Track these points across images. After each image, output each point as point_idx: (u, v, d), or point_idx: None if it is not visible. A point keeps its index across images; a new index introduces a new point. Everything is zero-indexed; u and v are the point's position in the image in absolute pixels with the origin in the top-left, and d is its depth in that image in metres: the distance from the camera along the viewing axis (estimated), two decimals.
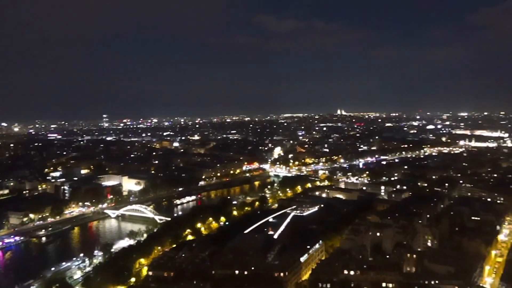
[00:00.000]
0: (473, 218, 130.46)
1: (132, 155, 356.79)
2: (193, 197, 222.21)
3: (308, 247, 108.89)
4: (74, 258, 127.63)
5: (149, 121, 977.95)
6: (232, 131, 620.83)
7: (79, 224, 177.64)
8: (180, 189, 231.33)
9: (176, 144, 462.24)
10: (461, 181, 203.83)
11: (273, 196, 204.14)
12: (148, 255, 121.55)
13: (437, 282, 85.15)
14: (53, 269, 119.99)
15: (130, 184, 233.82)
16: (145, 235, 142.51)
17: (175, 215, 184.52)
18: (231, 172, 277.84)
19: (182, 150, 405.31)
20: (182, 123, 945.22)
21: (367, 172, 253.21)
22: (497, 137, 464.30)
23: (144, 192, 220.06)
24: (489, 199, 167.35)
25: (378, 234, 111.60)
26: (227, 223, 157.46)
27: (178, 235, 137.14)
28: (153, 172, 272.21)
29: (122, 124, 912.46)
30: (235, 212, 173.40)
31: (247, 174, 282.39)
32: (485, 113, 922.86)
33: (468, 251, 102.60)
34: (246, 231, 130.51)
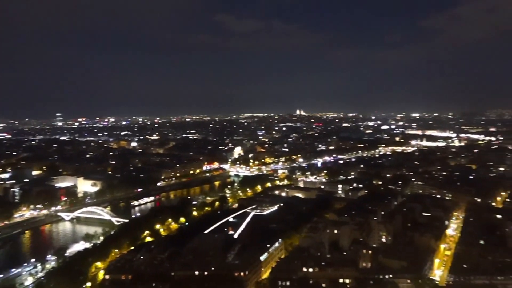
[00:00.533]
0: (424, 214, 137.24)
1: (87, 156, 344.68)
2: (152, 198, 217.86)
3: (268, 246, 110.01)
4: (25, 264, 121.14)
5: (106, 120, 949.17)
6: (192, 131, 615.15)
7: (30, 228, 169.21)
8: (139, 190, 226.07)
9: (134, 144, 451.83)
10: (413, 179, 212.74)
11: (233, 196, 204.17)
12: (104, 258, 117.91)
13: (391, 276, 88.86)
14: (1, 276, 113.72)
15: (85, 186, 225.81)
16: (101, 238, 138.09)
17: (133, 216, 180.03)
18: (191, 172, 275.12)
19: (140, 150, 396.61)
20: (140, 122, 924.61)
21: (325, 171, 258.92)
22: (446, 137, 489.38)
23: (100, 194, 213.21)
24: (438, 196, 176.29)
25: (335, 231, 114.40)
26: (186, 223, 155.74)
27: (136, 237, 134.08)
28: (110, 172, 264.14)
29: (77, 123, 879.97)
30: (195, 213, 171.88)
31: (207, 174, 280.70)
32: (435, 114, 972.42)
33: (419, 246, 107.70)
34: (206, 232, 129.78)
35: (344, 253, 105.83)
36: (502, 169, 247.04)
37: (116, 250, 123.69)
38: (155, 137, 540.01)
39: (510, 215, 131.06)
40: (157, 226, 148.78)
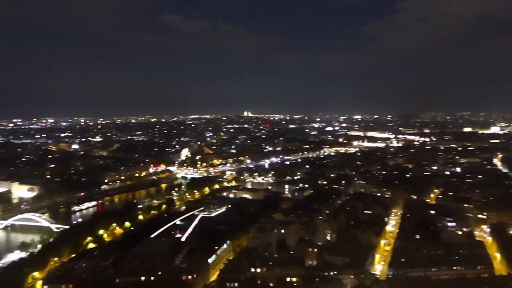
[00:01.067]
0: (365, 212, 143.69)
1: (23, 159, 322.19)
2: (95, 203, 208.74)
3: (216, 248, 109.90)
4: None
5: (44, 121, 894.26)
6: (137, 132, 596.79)
7: None
8: (81, 194, 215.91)
9: (75, 146, 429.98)
10: (355, 179, 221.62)
11: (181, 199, 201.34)
12: (43, 267, 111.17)
13: (335, 272, 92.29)
14: None
15: (21, 191, 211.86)
16: (39, 246, 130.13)
17: (74, 222, 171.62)
18: (137, 175, 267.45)
19: (82, 153, 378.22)
20: (82, 123, 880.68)
21: (272, 172, 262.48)
22: (385, 138, 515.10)
23: (38, 199, 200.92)
24: (379, 194, 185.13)
25: (282, 231, 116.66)
26: (132, 228, 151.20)
27: (77, 244, 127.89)
28: (48, 177, 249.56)
29: (11, 125, 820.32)
30: (141, 217, 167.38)
31: (154, 177, 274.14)
32: (375, 116, 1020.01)
33: (361, 242, 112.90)
34: (152, 236, 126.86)
35: (291, 252, 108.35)
36: (435, 168, 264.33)
37: (56, 259, 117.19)
38: (98, 139, 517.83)
39: (442, 211, 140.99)
40: (101, 232, 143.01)
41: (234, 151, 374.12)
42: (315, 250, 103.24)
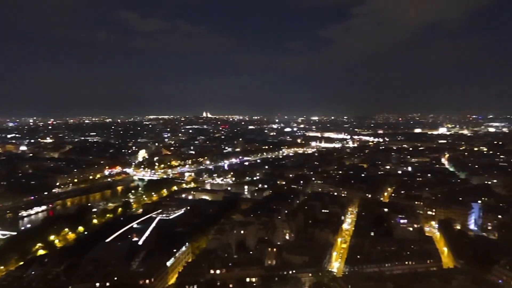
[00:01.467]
0: (323, 211, 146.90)
1: None
2: (45, 207, 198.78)
3: (175, 250, 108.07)
4: None
5: None
6: (91, 133, 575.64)
7: None
8: (30, 198, 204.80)
9: (23, 147, 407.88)
10: (313, 178, 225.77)
11: (138, 201, 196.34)
12: None
13: (294, 271, 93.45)
14: None
15: None
16: None
17: (22, 228, 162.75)
18: (91, 177, 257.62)
19: (31, 155, 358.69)
20: (31, 124, 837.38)
21: (232, 173, 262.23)
22: (341, 139, 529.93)
23: None
24: (336, 193, 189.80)
25: (242, 231, 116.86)
26: (86, 232, 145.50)
27: (26, 250, 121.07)
28: None
29: None
30: (95, 220, 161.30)
31: (109, 179, 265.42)
32: (332, 117, 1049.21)
33: (319, 241, 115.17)
34: (107, 240, 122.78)
35: (251, 252, 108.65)
36: (388, 167, 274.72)
37: (2, 267, 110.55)
38: (48, 140, 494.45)
39: (395, 209, 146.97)
40: (51, 237, 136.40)
41: (193, 152, 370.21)
42: (274, 250, 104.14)
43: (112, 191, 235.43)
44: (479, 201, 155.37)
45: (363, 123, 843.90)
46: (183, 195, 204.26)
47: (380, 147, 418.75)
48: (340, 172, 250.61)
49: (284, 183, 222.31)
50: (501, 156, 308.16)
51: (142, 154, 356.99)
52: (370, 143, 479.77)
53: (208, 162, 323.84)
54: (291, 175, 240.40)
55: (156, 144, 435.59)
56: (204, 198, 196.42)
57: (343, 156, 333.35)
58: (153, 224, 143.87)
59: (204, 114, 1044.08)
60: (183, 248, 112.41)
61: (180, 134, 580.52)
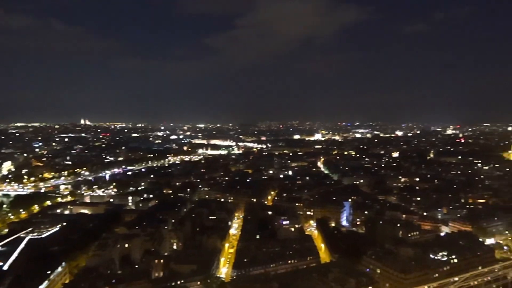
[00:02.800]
0: (210, 217, 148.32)
1: None
2: None
3: (49, 272, 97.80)
4: None
5: None
6: None
7: None
8: None
9: None
10: (200, 186, 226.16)
11: (2, 220, 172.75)
12: None
13: (182, 281, 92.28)
14: None
15: None
16: None
17: None
18: None
19: None
20: None
21: (114, 184, 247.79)
22: (227, 146, 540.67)
23: None
24: (222, 199, 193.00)
25: (126, 245, 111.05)
26: None
27: None
28: None
29: None
30: None
31: None
32: (218, 125, 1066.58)
33: (207, 248, 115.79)
34: None
35: (136, 266, 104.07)
36: (271, 172, 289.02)
37: None
38: None
39: (278, 211, 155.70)
40: None
41: (70, 162, 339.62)
42: (161, 261, 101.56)
43: None
44: (349, 200, 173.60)
45: (247, 130, 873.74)
46: (58, 210, 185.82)
47: (264, 153, 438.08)
48: (227, 178, 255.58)
49: (170, 191, 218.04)
50: (366, 159, 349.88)
51: (7, 166, 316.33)
52: (254, 150, 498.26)
53: (87, 173, 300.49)
54: (177, 183, 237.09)
55: (25, 154, 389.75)
56: (83, 212, 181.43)
57: (229, 163, 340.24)
58: (22, 245, 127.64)
59: (82, 122, 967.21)
60: (59, 269, 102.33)
61: (54, 144, 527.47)
